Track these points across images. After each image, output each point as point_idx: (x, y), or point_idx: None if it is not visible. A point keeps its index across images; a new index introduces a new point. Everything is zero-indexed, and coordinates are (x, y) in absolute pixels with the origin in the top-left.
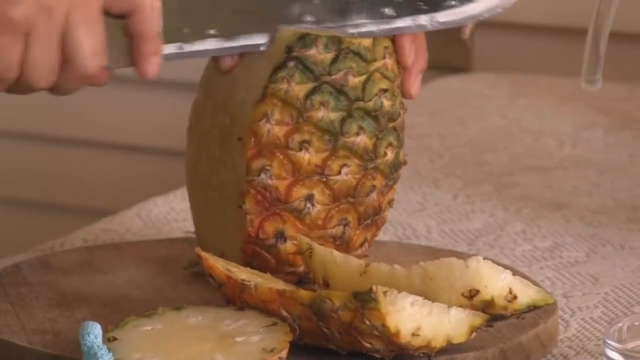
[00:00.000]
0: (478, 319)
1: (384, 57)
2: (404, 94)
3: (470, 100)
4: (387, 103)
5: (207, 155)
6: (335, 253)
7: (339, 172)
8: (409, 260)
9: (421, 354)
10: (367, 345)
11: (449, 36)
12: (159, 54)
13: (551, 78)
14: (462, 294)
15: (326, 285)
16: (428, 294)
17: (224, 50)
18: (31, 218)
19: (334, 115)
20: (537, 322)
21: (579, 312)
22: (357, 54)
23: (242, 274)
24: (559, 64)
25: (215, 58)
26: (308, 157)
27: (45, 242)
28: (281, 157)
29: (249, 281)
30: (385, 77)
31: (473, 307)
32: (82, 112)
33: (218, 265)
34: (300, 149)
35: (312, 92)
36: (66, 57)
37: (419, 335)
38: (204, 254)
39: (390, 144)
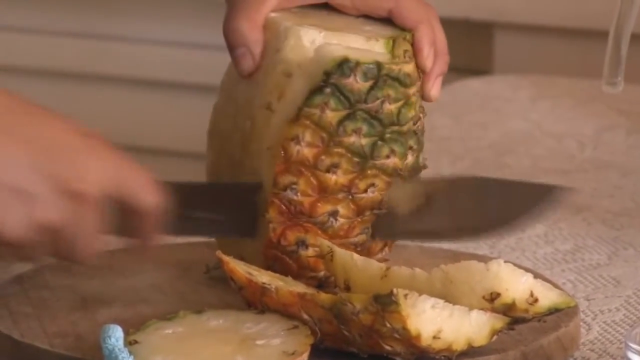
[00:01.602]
0: (499, 321)
1: (404, 61)
2: (424, 97)
3: (491, 102)
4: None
5: (227, 158)
6: (356, 256)
7: (366, 191)
8: (430, 264)
9: (442, 357)
10: (388, 348)
11: (471, 38)
12: (156, 242)
13: (572, 80)
14: (483, 297)
15: (347, 288)
16: (449, 297)
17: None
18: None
19: (366, 141)
20: (559, 325)
21: (601, 315)
22: (395, 79)
23: (262, 277)
24: (580, 66)
25: (235, 62)
26: (335, 179)
27: None
28: (309, 175)
29: (269, 284)
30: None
31: (494, 310)
32: (106, 116)
33: (239, 268)
34: (329, 171)
35: (346, 118)
36: (59, 253)
37: (439, 338)
38: (225, 258)
39: (410, 147)
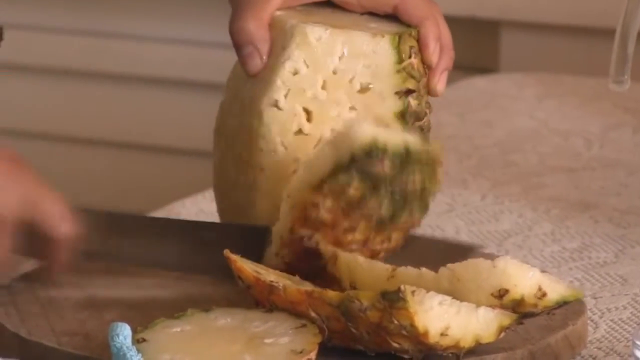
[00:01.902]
0: (507, 318)
1: (410, 57)
2: (430, 92)
3: (498, 100)
4: (413, 102)
5: (233, 157)
6: (360, 258)
7: (382, 242)
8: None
9: (450, 354)
10: (396, 345)
11: (477, 36)
12: (66, 271)
13: (579, 78)
14: (492, 294)
15: (354, 290)
16: (456, 295)
17: None
18: None
19: (387, 211)
20: (566, 323)
21: (608, 313)
22: (423, 163)
23: (270, 275)
24: (586, 64)
25: (242, 61)
26: (352, 238)
27: None
28: (326, 231)
29: (277, 282)
30: (412, 77)
31: (503, 307)
32: (112, 114)
33: (246, 267)
34: (347, 232)
35: (369, 194)
36: None
37: (447, 335)
38: (233, 256)
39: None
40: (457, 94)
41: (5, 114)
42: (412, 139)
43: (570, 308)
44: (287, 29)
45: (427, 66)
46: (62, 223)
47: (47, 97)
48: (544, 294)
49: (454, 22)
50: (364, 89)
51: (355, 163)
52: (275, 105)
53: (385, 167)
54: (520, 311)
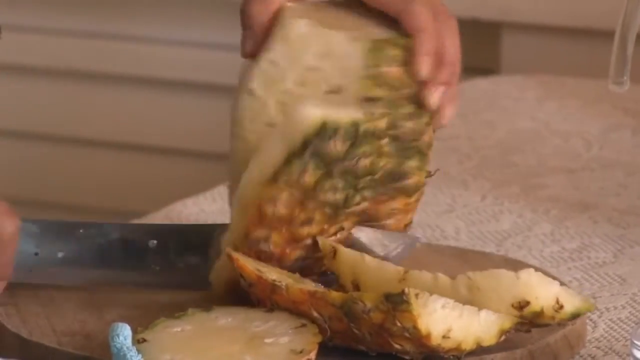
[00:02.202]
0: (508, 321)
1: (389, 65)
2: (424, 105)
3: (499, 102)
4: (382, 114)
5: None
6: (368, 258)
7: (335, 234)
8: (438, 262)
9: (451, 357)
10: (397, 347)
11: (478, 38)
12: (6, 280)
13: (579, 80)
14: (512, 305)
15: (356, 288)
16: (474, 304)
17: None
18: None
19: (340, 194)
20: (565, 322)
21: (607, 312)
22: (372, 134)
23: (272, 274)
24: (586, 65)
25: (241, 42)
26: (308, 231)
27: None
28: (282, 229)
29: (280, 282)
30: (385, 85)
31: (522, 318)
32: (112, 115)
33: (248, 265)
34: (303, 225)
35: (323, 178)
36: None
37: (449, 337)
38: (235, 254)
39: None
40: (458, 95)
41: (7, 114)
42: (359, 116)
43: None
44: (279, 21)
45: (417, 77)
46: (6, 220)
47: (47, 98)
48: (561, 307)
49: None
50: (331, 91)
51: (308, 146)
52: (251, 93)
53: (337, 146)
54: (538, 323)
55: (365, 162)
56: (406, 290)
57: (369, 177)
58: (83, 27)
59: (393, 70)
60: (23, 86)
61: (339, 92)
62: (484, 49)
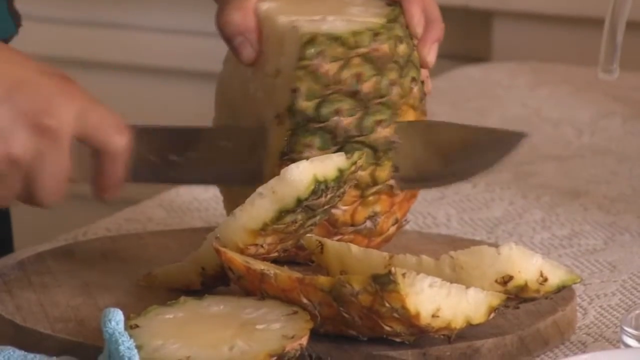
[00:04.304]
0: (496, 299)
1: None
2: (421, 64)
3: (490, 89)
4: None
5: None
6: (353, 247)
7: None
8: (429, 249)
9: (441, 336)
10: (388, 328)
11: (470, 26)
12: (119, 187)
13: (570, 67)
14: (496, 281)
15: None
16: (459, 282)
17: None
18: (57, 208)
19: (315, 224)
20: (555, 309)
21: (597, 299)
22: (352, 173)
23: (259, 265)
24: (577, 53)
25: (236, 52)
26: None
27: (69, 232)
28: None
29: (268, 271)
30: (315, 79)
31: (507, 293)
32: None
33: (237, 257)
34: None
35: (307, 219)
36: (28, 192)
37: (438, 316)
38: (222, 248)
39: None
40: (450, 83)
41: None
42: (341, 160)
43: (560, 294)
44: (263, 22)
45: (414, 37)
46: (119, 137)
47: None
48: (546, 280)
49: (447, 12)
50: (273, 74)
51: (301, 204)
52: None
53: (327, 197)
54: (523, 297)
55: (342, 195)
56: (393, 270)
57: (338, 200)
58: (78, 15)
59: (322, 65)
60: None
61: (276, 79)
62: (475, 36)
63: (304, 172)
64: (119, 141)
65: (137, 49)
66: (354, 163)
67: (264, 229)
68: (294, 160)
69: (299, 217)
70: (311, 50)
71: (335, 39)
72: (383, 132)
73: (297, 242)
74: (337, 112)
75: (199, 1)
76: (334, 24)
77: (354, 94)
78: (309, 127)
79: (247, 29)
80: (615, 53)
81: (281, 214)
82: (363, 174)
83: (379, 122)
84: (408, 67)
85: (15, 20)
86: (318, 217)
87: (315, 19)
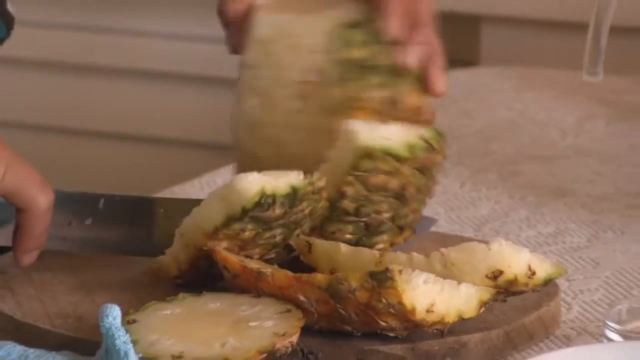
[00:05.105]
0: (486, 293)
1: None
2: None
3: (478, 92)
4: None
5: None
6: (343, 246)
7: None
8: (419, 247)
9: (435, 331)
10: (383, 324)
11: (457, 31)
12: (39, 249)
13: (555, 71)
14: (486, 276)
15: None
16: (450, 278)
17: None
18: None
19: (280, 237)
20: (540, 304)
21: (581, 295)
22: (313, 193)
23: (255, 264)
24: (562, 57)
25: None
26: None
27: None
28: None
29: (265, 269)
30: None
31: (497, 287)
32: (103, 106)
33: (232, 257)
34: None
35: (262, 232)
36: None
37: (433, 311)
38: (217, 248)
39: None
40: None
41: (7, 107)
42: (296, 179)
43: (544, 290)
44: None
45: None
46: (40, 194)
47: (44, 91)
48: (534, 273)
49: (435, 16)
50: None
51: (247, 214)
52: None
53: (276, 211)
54: (513, 290)
55: (305, 212)
56: (390, 267)
57: (308, 219)
58: (78, 20)
59: (376, 178)
60: (19, 79)
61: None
62: (463, 41)
63: (252, 183)
64: (44, 201)
65: (134, 53)
66: (311, 183)
67: (215, 233)
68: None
69: (249, 226)
70: (366, 165)
71: (390, 153)
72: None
73: (267, 252)
74: (377, 212)
75: (197, 7)
76: (390, 133)
77: (398, 197)
78: (346, 219)
79: (234, 21)
80: (599, 56)
81: (229, 220)
82: None
83: (413, 211)
84: (370, 72)
85: (6, 22)
86: (279, 231)
87: (369, 124)
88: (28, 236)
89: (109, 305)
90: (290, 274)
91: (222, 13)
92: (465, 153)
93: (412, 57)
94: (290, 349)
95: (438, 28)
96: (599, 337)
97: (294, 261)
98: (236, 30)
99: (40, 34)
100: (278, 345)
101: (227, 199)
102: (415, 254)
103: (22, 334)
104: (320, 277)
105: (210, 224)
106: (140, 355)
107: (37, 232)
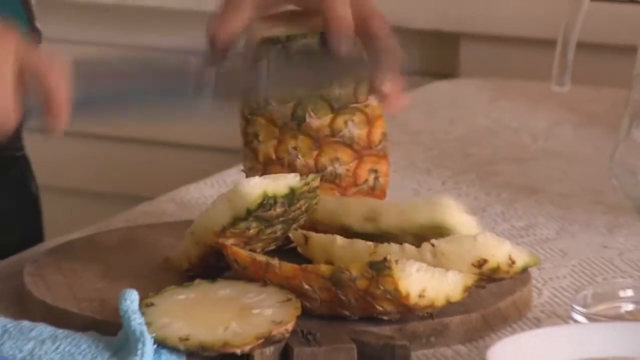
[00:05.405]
0: (470, 279)
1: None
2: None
3: (458, 101)
4: None
5: None
6: (338, 238)
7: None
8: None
9: (425, 314)
10: (380, 308)
11: (440, 47)
12: (64, 118)
13: (527, 82)
14: (472, 264)
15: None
16: (439, 267)
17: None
18: (83, 204)
19: (280, 232)
20: (514, 290)
21: (550, 281)
22: (309, 192)
23: (262, 256)
24: (533, 70)
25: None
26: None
27: (94, 224)
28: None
29: (273, 260)
30: None
31: (481, 274)
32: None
33: (242, 251)
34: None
35: (265, 229)
36: None
37: (424, 296)
38: (226, 242)
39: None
40: (423, 95)
41: None
42: (293, 180)
43: (518, 277)
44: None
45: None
46: (53, 70)
47: None
48: (514, 262)
49: (420, 34)
50: None
51: (251, 214)
52: None
53: (276, 210)
54: (495, 277)
55: (302, 209)
56: (388, 257)
57: (305, 215)
58: (101, 37)
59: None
60: None
61: None
62: (445, 56)
63: (255, 187)
64: (56, 79)
65: None
66: (307, 183)
67: (223, 232)
68: None
69: (253, 224)
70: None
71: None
72: None
73: (268, 245)
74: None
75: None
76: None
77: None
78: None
79: (219, 46)
80: (567, 69)
81: (235, 220)
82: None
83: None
84: None
85: (35, 38)
86: (280, 227)
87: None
88: (51, 106)
89: (128, 290)
90: (295, 265)
91: (208, 36)
92: (447, 155)
93: (387, 86)
94: (285, 335)
95: (424, 44)
96: (566, 319)
97: (289, 252)
98: (221, 53)
99: (65, 49)
100: (274, 332)
101: (233, 202)
102: (407, 245)
103: (52, 317)
104: (324, 268)
105: (218, 224)
106: (154, 334)
107: (58, 104)
